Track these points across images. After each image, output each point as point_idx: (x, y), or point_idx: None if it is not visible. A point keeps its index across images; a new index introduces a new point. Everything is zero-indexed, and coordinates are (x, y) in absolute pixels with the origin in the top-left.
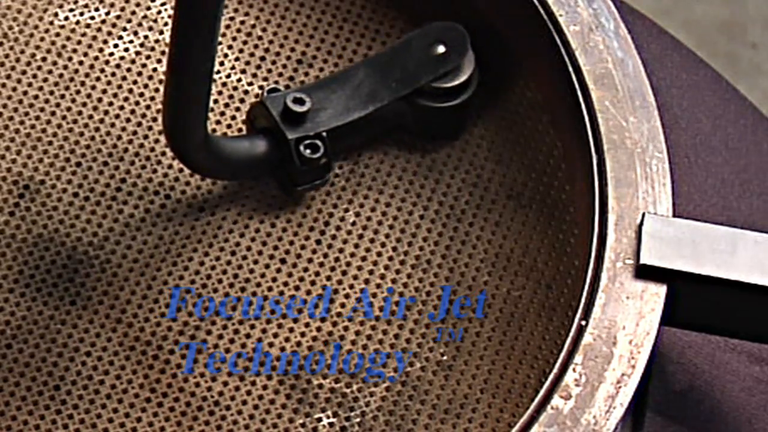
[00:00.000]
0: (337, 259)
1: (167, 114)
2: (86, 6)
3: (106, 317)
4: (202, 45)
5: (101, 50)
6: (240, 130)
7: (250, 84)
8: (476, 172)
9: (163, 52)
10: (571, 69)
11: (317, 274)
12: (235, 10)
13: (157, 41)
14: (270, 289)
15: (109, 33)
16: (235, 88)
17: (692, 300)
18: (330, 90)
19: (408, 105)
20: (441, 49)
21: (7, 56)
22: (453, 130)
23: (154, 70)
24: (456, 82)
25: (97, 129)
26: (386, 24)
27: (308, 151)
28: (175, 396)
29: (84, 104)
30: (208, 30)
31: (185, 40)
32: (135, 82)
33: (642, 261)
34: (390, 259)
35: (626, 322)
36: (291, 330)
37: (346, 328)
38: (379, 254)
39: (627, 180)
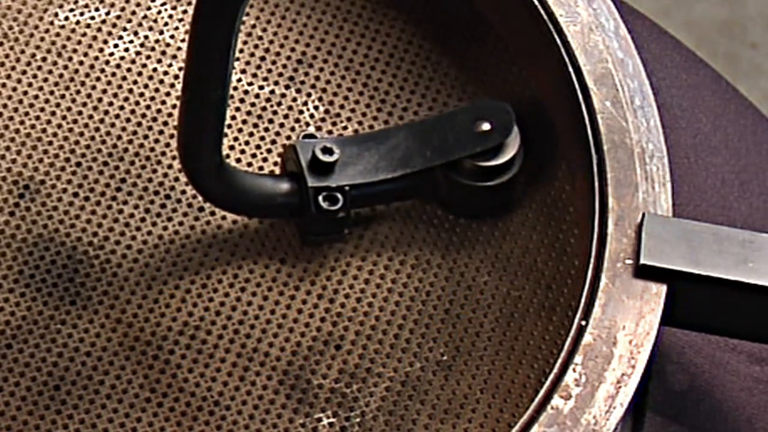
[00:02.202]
0: (337, 259)
1: (180, 136)
2: (86, 6)
3: (106, 317)
4: (215, 71)
5: (101, 50)
6: (240, 130)
7: (250, 84)
8: None
9: (163, 52)
10: (571, 69)
11: (317, 273)
12: None
13: (157, 41)
14: (270, 289)
15: (109, 33)
16: (235, 88)
17: (692, 300)
18: (364, 146)
19: (444, 179)
20: (485, 126)
21: (7, 56)
22: (490, 210)
23: (154, 70)
24: (494, 162)
25: (97, 129)
26: (386, 24)
27: (326, 202)
28: (175, 396)
29: (84, 104)
30: (221, 58)
31: (198, 65)
32: (135, 82)
33: (642, 261)
34: (390, 259)
35: (626, 322)
36: (291, 330)
37: (346, 328)
38: (378, 254)
39: (627, 180)
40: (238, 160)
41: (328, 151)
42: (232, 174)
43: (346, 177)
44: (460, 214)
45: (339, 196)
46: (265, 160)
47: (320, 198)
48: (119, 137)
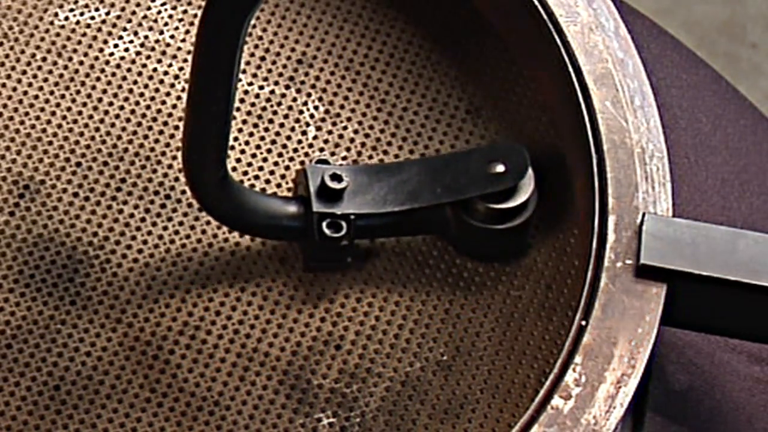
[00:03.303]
0: None
1: (183, 150)
2: (86, 6)
3: (106, 317)
4: (219, 86)
5: (101, 50)
6: (240, 130)
7: (250, 84)
8: None
9: (163, 52)
10: (571, 69)
11: (317, 273)
12: None
13: (157, 41)
14: (270, 289)
15: (109, 33)
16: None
17: (692, 300)
18: (375, 177)
19: (455, 218)
20: (500, 168)
21: (7, 56)
22: (500, 253)
23: (154, 70)
24: (505, 205)
25: (97, 129)
26: (386, 24)
27: (330, 229)
28: (175, 396)
29: (84, 104)
30: (226, 72)
31: (203, 80)
32: (135, 82)
33: (642, 261)
34: (389, 259)
35: (626, 322)
36: (291, 330)
37: (346, 328)
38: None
39: (627, 180)
40: (238, 160)
41: (337, 178)
42: (237, 191)
43: (353, 206)
44: (469, 254)
45: (343, 224)
46: (265, 160)
47: (324, 224)
48: (119, 137)
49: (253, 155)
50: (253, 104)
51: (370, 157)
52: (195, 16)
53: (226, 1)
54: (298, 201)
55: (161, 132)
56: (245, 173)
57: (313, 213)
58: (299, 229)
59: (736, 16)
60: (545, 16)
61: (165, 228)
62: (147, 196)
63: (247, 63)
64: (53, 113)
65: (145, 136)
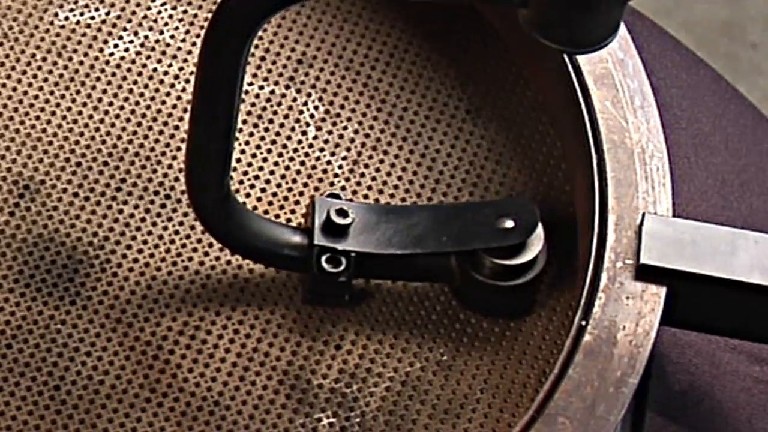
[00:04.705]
0: None
1: (186, 168)
2: (86, 6)
3: (106, 317)
4: (221, 107)
5: (101, 50)
6: (240, 130)
7: (250, 84)
8: (476, 172)
9: (163, 52)
10: (571, 69)
11: None
12: None
13: (157, 41)
14: (269, 289)
15: (109, 33)
16: None
17: (692, 300)
18: (383, 217)
19: (459, 270)
20: (508, 223)
21: (7, 56)
22: (504, 310)
23: (154, 70)
24: (510, 262)
25: (97, 129)
26: (386, 24)
27: (329, 264)
28: (175, 396)
29: (84, 104)
30: (228, 92)
31: (204, 100)
32: (135, 82)
33: (642, 261)
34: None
35: (626, 322)
36: (291, 330)
37: (346, 329)
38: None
39: (627, 180)
40: (238, 160)
41: (342, 213)
42: (239, 213)
43: (356, 243)
44: (473, 308)
45: (343, 260)
46: (265, 160)
47: (324, 258)
48: (119, 137)
49: (253, 155)
50: (253, 104)
51: (370, 157)
52: (195, 16)
53: (227, 24)
54: (303, 232)
55: (161, 132)
56: (245, 173)
57: (314, 246)
58: (299, 259)
59: (736, 16)
60: None
61: (165, 228)
62: (147, 196)
63: (247, 63)
64: (53, 113)
65: (145, 136)
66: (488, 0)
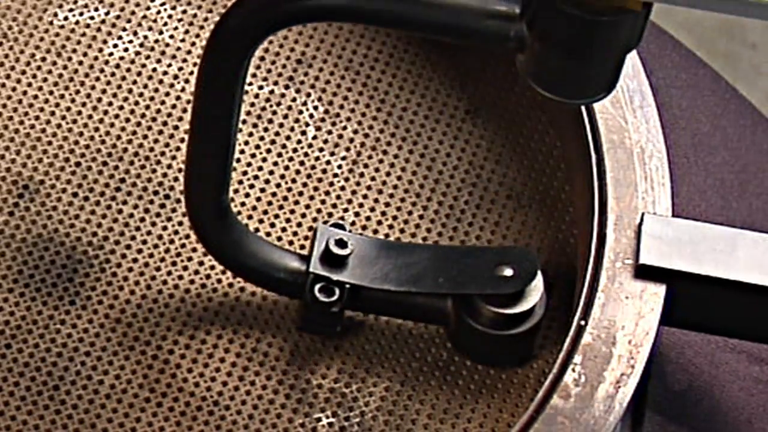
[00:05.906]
0: None
1: (185, 185)
2: (86, 6)
3: (106, 317)
4: (219, 127)
5: (101, 50)
6: (240, 130)
7: (249, 84)
8: (476, 172)
9: (163, 52)
10: None
11: None
12: None
13: (157, 41)
14: None
15: (109, 33)
16: None
17: (692, 300)
18: (383, 252)
19: (454, 314)
20: (507, 272)
21: (7, 56)
22: (500, 359)
23: (154, 70)
24: (507, 311)
25: (96, 128)
26: None
27: (322, 293)
28: (174, 396)
29: (83, 104)
30: (226, 113)
31: (202, 120)
32: (135, 82)
33: (641, 261)
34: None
35: (625, 322)
36: (290, 330)
37: (345, 328)
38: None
39: (626, 180)
40: (238, 160)
41: (341, 244)
42: (237, 232)
43: (351, 275)
44: (467, 354)
45: (336, 290)
46: (264, 160)
47: (317, 287)
48: (119, 137)
49: (253, 155)
50: (252, 104)
51: (370, 157)
52: (194, 16)
53: (225, 43)
54: (300, 258)
55: (161, 132)
56: (245, 173)
57: (309, 273)
58: (294, 285)
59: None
60: None
61: (165, 228)
62: (146, 196)
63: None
64: (53, 113)
65: (145, 136)
66: (484, 44)
